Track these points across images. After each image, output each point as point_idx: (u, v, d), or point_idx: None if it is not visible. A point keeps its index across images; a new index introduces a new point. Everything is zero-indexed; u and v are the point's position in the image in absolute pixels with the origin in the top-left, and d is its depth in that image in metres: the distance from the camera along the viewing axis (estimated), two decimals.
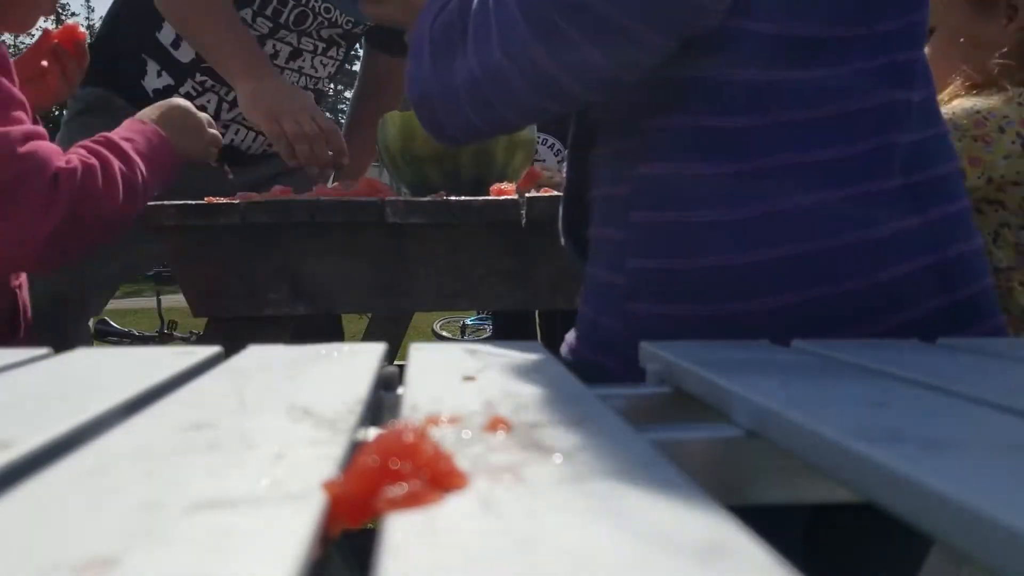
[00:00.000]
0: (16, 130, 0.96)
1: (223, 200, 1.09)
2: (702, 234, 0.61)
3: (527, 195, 1.07)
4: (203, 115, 1.24)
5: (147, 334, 7.44)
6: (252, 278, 1.15)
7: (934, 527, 0.23)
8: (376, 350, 0.48)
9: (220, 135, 1.28)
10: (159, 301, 7.42)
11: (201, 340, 1.18)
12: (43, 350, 0.50)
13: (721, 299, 0.60)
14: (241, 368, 0.43)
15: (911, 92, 0.63)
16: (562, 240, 0.88)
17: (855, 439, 0.28)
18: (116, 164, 1.04)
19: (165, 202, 1.09)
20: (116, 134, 1.10)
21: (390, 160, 1.37)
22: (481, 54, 0.60)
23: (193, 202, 1.08)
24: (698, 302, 0.60)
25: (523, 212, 1.08)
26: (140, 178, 1.07)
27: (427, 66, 0.65)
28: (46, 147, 0.98)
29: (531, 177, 1.28)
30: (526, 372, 0.40)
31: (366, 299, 1.21)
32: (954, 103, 1.07)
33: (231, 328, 1.18)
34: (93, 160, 1.02)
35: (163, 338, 7.36)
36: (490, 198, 1.08)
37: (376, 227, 1.11)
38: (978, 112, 1.00)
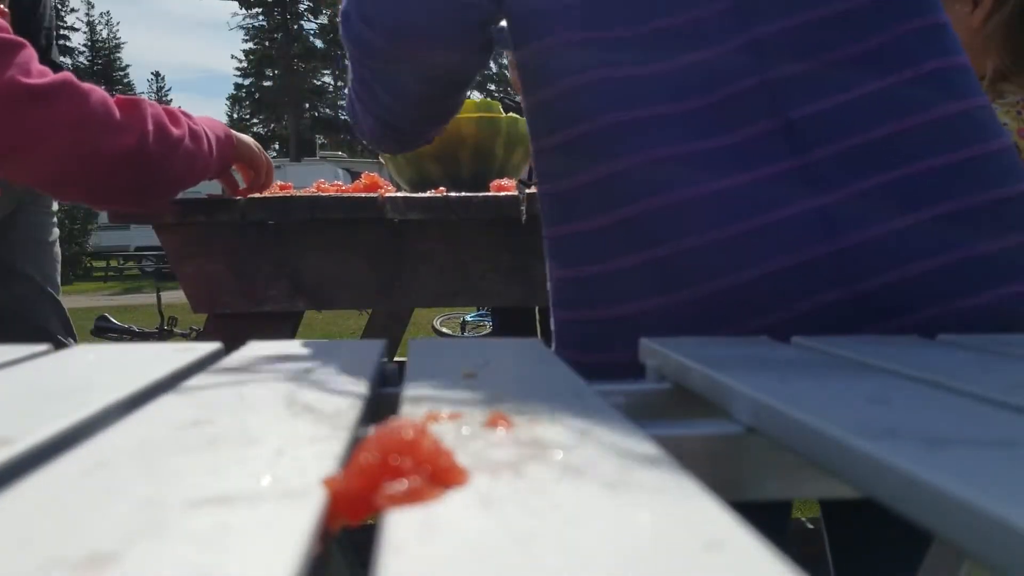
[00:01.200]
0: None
1: (224, 196, 1.09)
2: (587, 242, 0.63)
3: (526, 191, 1.07)
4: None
5: (147, 330, 7.42)
6: (252, 274, 1.15)
7: (934, 523, 0.23)
8: (376, 346, 0.47)
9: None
10: (159, 297, 7.39)
11: (201, 336, 1.18)
12: (43, 347, 0.50)
13: (607, 302, 0.61)
14: (241, 364, 0.43)
15: (787, 66, 0.60)
16: None
17: (856, 435, 0.28)
18: (184, 121, 1.02)
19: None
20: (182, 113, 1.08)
21: (390, 156, 1.37)
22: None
23: (193, 198, 1.08)
24: (588, 307, 0.62)
25: (523, 208, 1.08)
26: (204, 135, 1.04)
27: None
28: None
29: None
30: (526, 368, 0.40)
31: (366, 296, 1.21)
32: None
33: (231, 324, 1.18)
34: (159, 108, 1.01)
35: (163, 334, 7.35)
36: (489, 194, 1.07)
37: (376, 224, 1.11)
38: (1015, 105, 0.99)
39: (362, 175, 1.23)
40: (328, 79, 44.34)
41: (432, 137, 0.89)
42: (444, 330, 6.32)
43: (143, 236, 24.34)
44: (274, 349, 0.48)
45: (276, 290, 1.16)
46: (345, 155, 30.62)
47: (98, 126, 0.91)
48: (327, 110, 44.52)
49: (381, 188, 1.17)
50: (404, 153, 1.21)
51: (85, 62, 50.57)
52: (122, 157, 0.92)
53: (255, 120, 47.31)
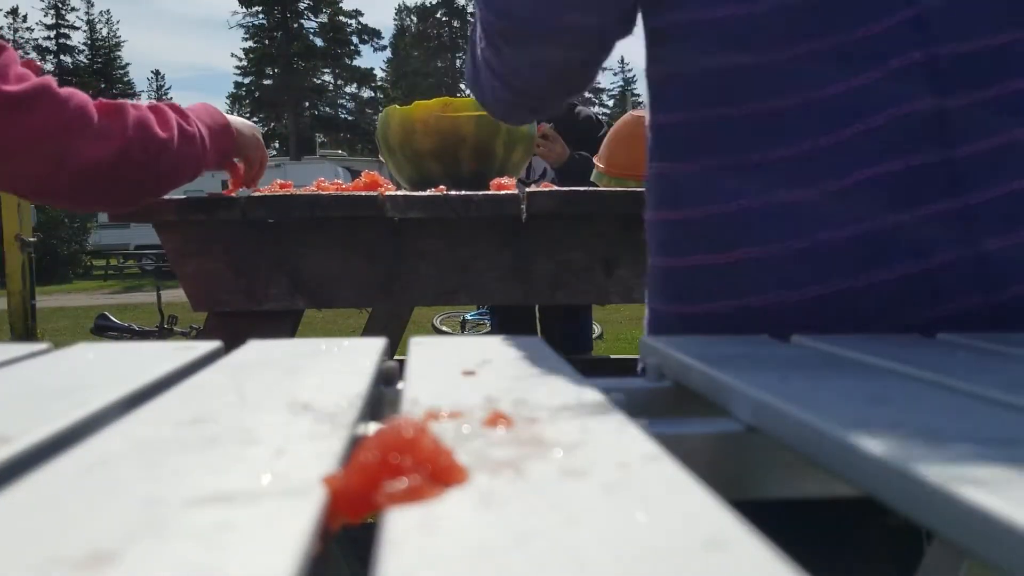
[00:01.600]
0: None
1: (224, 194, 1.09)
2: (701, 229, 0.62)
3: (527, 190, 1.07)
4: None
5: (147, 329, 7.42)
6: (252, 273, 1.15)
7: (935, 522, 0.23)
8: (376, 345, 0.47)
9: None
10: (159, 296, 7.40)
11: (201, 335, 1.18)
12: (43, 345, 0.50)
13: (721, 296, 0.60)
14: (241, 363, 0.43)
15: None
16: None
17: (856, 434, 0.28)
18: (172, 116, 1.00)
19: (165, 198, 1.09)
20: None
21: (390, 154, 1.37)
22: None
23: (194, 197, 1.08)
24: (735, 296, 0.60)
25: (523, 207, 1.08)
26: (198, 133, 1.02)
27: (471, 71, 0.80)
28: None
29: None
30: (526, 367, 0.40)
31: (365, 294, 1.21)
32: None
33: (231, 323, 1.18)
34: (145, 110, 0.99)
35: (163, 333, 7.35)
36: (490, 192, 1.07)
37: (376, 222, 1.11)
38: None
39: (362, 174, 1.23)
40: (328, 78, 44.32)
41: (563, 106, 0.85)
42: (444, 328, 6.32)
43: (143, 235, 24.34)
44: (274, 348, 0.48)
45: (276, 288, 1.16)
46: (345, 154, 30.63)
47: (76, 133, 0.89)
48: (327, 108, 44.49)
49: (381, 187, 1.17)
50: (507, 122, 1.12)
51: (85, 60, 50.54)
52: (102, 163, 0.91)
53: (255, 119, 47.25)
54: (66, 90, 0.91)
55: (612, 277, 1.15)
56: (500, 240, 1.15)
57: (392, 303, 1.17)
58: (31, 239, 6.14)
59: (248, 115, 47.12)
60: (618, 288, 1.15)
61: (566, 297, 1.19)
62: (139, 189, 0.96)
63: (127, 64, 53.75)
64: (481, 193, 1.07)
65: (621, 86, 67.95)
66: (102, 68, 51.70)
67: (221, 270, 1.15)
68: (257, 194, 1.08)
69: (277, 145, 44.80)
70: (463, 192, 1.08)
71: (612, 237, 1.14)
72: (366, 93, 45.53)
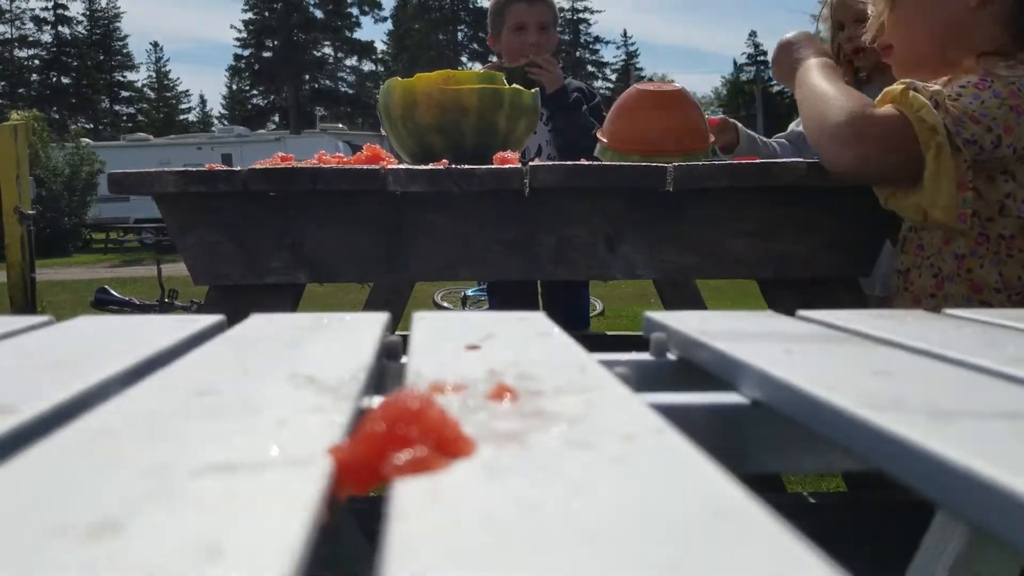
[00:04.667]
0: None
1: (223, 167, 1.08)
2: None
3: (530, 164, 1.07)
4: None
5: (148, 303, 7.43)
6: (253, 246, 1.15)
7: (939, 494, 0.23)
8: (379, 319, 0.47)
9: None
10: (159, 270, 7.39)
11: (202, 309, 1.17)
12: (44, 317, 0.50)
13: None
14: (243, 336, 0.43)
15: None
16: None
17: (861, 407, 0.28)
18: None
19: (164, 169, 1.08)
20: None
21: (391, 127, 1.36)
22: None
23: (194, 169, 1.07)
24: None
25: (526, 181, 1.07)
26: None
27: None
28: None
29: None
30: (530, 341, 0.40)
31: (367, 268, 1.21)
32: (980, 72, 1.02)
33: (232, 296, 1.18)
34: None
35: (164, 307, 7.36)
36: (493, 167, 1.07)
37: (378, 196, 1.10)
38: (1012, 83, 0.98)
39: (363, 147, 1.22)
40: (328, 50, 43.94)
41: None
42: (445, 304, 6.33)
43: (143, 208, 24.26)
44: (276, 321, 0.48)
45: (278, 262, 1.15)
46: (345, 128, 30.45)
47: None
48: (327, 81, 44.15)
49: (383, 160, 1.16)
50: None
51: (84, 32, 50.09)
52: None
53: (254, 91, 46.95)
54: None
55: (615, 253, 1.15)
56: (502, 214, 1.15)
57: (394, 277, 1.17)
58: (30, 212, 6.13)
59: (248, 88, 46.80)
60: (620, 264, 1.15)
61: (568, 273, 1.18)
62: None
63: (126, 36, 53.30)
64: (484, 167, 1.07)
65: (624, 60, 67.37)
66: (101, 40, 51.27)
67: (222, 243, 1.14)
68: (259, 167, 1.08)
69: (277, 118, 44.53)
70: (465, 166, 1.07)
71: (615, 213, 1.14)
72: (367, 66, 45.17)
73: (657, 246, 1.16)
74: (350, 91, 44.20)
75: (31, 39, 49.28)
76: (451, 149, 1.32)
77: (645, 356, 0.41)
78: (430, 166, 1.08)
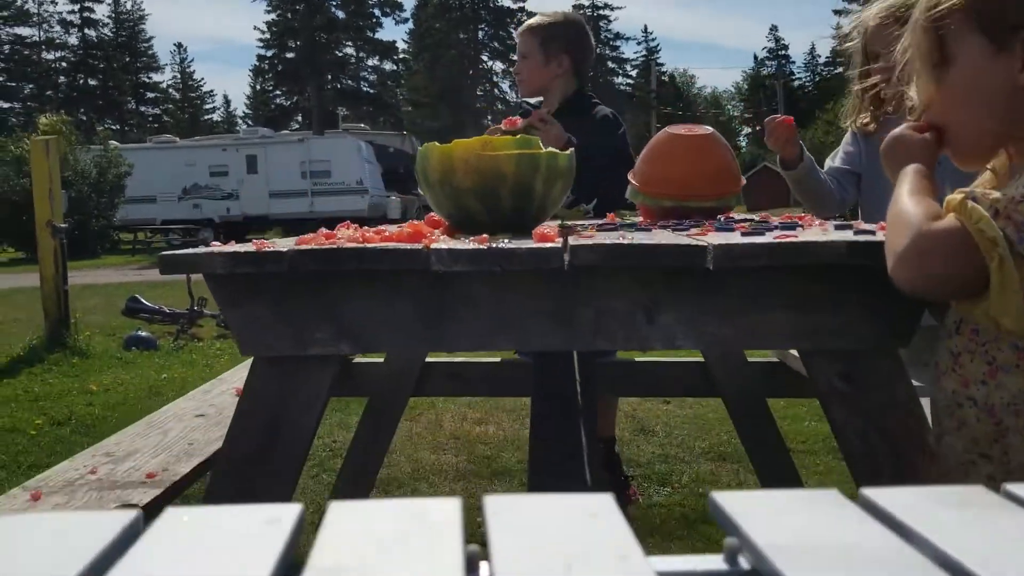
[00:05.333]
0: None
1: (269, 247, 1.11)
2: None
3: (571, 244, 1.08)
4: None
5: (177, 311, 7.55)
6: (298, 319, 1.17)
7: None
8: (290, 515, 0.42)
9: None
10: (189, 279, 7.49)
11: (248, 378, 1.20)
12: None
13: None
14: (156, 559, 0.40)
15: None
16: None
17: None
18: None
19: (214, 250, 1.11)
20: None
21: (428, 188, 1.38)
22: None
23: (242, 250, 1.10)
24: None
25: (566, 257, 1.08)
26: None
27: None
28: None
29: None
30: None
31: (408, 339, 1.23)
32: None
33: (276, 365, 1.20)
34: None
35: (193, 315, 7.47)
36: (534, 245, 1.08)
37: (420, 270, 1.12)
38: None
39: (407, 224, 1.24)
40: (350, 50, 44.14)
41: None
42: None
43: (169, 210, 24.57)
44: (191, 530, 0.42)
45: (321, 333, 1.18)
46: (367, 127, 30.58)
47: None
48: (349, 81, 44.37)
49: (426, 236, 1.18)
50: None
51: (109, 34, 50.71)
52: None
53: (277, 91, 47.28)
54: None
55: (654, 324, 1.16)
56: (542, 287, 1.16)
57: (434, 348, 1.19)
58: (63, 225, 6.23)
59: (271, 88, 47.10)
60: (659, 335, 1.16)
61: (607, 343, 1.20)
62: None
63: (151, 37, 53.92)
64: (524, 247, 1.08)
65: (645, 56, 66.99)
66: (126, 41, 51.90)
67: (268, 317, 1.17)
68: (304, 247, 1.10)
69: (300, 118, 44.80)
70: (507, 245, 1.09)
71: (654, 285, 1.15)
72: (388, 66, 45.31)
73: (696, 318, 1.17)
74: (372, 91, 44.36)
75: (58, 41, 50.00)
76: (488, 212, 1.33)
77: (717, 563, 0.42)
78: (471, 245, 1.10)
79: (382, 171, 25.83)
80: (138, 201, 23.34)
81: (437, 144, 1.35)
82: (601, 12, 57.80)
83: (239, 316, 1.18)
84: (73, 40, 49.26)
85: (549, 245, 1.09)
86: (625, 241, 1.11)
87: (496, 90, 43.20)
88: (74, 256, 6.09)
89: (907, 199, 0.99)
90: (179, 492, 1.53)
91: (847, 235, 1.15)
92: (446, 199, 1.35)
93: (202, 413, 1.96)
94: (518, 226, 1.36)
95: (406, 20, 42.68)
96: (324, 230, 1.22)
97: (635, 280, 1.15)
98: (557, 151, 1.36)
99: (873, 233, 1.16)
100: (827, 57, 61.66)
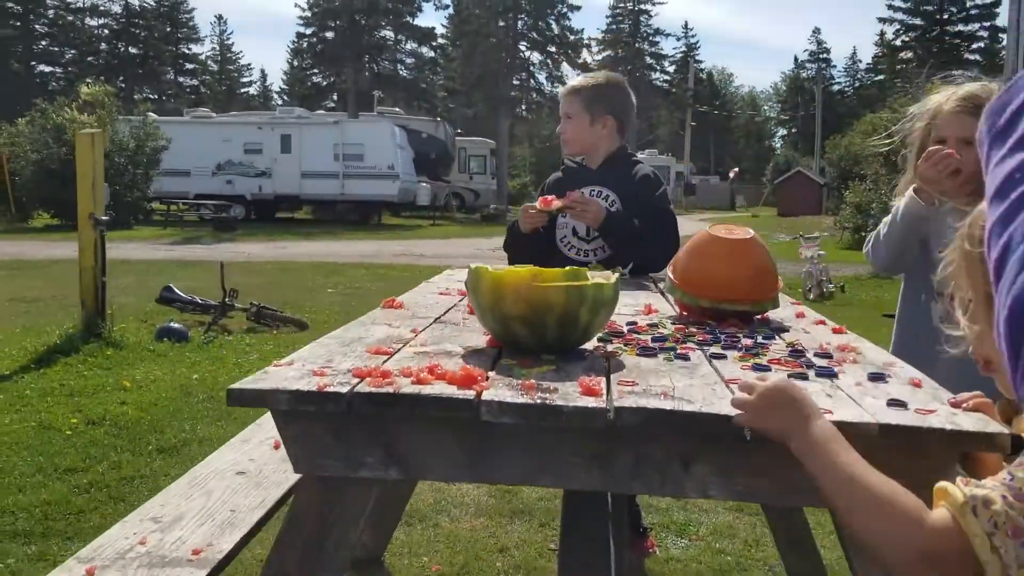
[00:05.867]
0: None
1: (330, 391, 1.17)
2: None
3: (615, 405, 1.13)
4: None
5: (210, 302, 7.68)
6: (351, 442, 1.24)
7: None
8: None
9: None
10: (222, 272, 7.63)
11: (296, 494, 1.27)
12: None
13: None
14: None
15: None
16: None
17: None
18: None
19: (279, 388, 1.18)
20: None
21: (478, 308, 1.44)
22: None
23: (304, 389, 1.17)
24: None
25: (609, 415, 1.14)
26: None
27: None
28: None
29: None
30: None
31: (454, 468, 1.29)
32: None
33: (323, 483, 1.28)
34: None
35: (224, 308, 7.60)
36: (579, 404, 1.14)
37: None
38: None
39: (462, 368, 1.29)
40: (389, 32, 44.17)
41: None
42: None
43: (202, 184, 24.84)
44: None
45: (372, 458, 1.24)
46: (402, 111, 30.65)
47: None
48: (387, 64, 44.43)
49: (477, 381, 1.24)
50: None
51: (152, 3, 51.17)
52: None
53: (315, 70, 47.49)
54: None
55: (689, 473, 1.21)
56: (585, 430, 1.22)
57: (478, 479, 1.25)
58: (104, 218, 6.36)
59: (308, 66, 47.29)
60: (694, 484, 1.21)
61: (643, 488, 1.25)
62: None
63: (193, 8, 54.33)
64: (571, 405, 1.14)
65: (683, 52, 66.39)
66: (168, 11, 52.34)
67: (324, 438, 1.24)
68: (364, 391, 1.17)
69: (335, 98, 44.99)
70: (554, 403, 1.15)
71: (692, 435, 1.20)
72: (426, 51, 45.31)
73: (729, 470, 1.22)
74: (408, 75, 44.42)
75: (102, 8, 50.52)
76: (534, 339, 1.39)
77: None
78: (520, 396, 1.16)
79: (413, 156, 25.93)
80: (173, 174, 23.61)
81: (488, 268, 1.41)
82: (642, 7, 57.29)
83: (295, 433, 1.25)
84: (117, 8, 49.79)
85: (593, 404, 1.15)
86: (667, 406, 1.16)
87: (532, 80, 43.11)
88: (108, 227, 6.22)
89: (870, 476, 0.94)
90: (222, 569, 1.61)
91: (880, 408, 1.19)
92: (494, 322, 1.41)
93: (242, 470, 2.04)
94: (561, 349, 1.42)
95: (447, 6, 42.65)
96: (381, 369, 1.27)
97: (674, 431, 1.21)
98: (604, 282, 1.41)
99: (905, 406, 1.20)
100: (868, 64, 60.85)
